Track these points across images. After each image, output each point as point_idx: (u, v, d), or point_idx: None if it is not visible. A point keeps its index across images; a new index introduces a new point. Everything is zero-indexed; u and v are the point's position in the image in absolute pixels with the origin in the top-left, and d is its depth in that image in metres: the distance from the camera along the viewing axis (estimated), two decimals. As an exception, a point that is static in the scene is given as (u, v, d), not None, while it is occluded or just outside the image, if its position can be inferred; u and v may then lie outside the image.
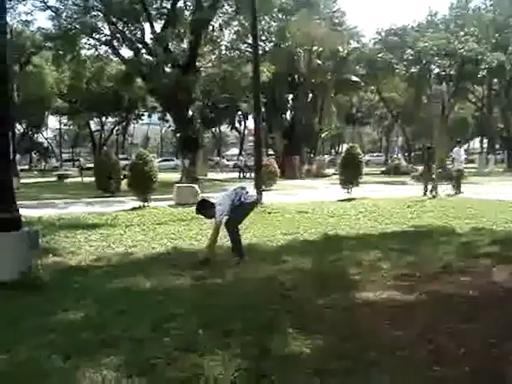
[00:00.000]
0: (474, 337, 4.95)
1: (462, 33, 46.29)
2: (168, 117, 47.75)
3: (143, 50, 34.13)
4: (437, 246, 9.59)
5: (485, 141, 67.37)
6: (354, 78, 48.13)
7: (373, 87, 55.47)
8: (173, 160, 62.83)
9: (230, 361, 4.46)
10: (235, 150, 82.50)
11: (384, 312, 5.78)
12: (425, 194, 20.03)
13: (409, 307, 5.96)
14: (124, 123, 70.59)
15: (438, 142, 24.72)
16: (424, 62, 44.83)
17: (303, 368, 4.33)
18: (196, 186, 19.62)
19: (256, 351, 4.68)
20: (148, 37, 34.28)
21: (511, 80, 54.97)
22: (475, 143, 76.56)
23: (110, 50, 35.80)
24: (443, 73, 45.45)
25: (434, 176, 20.66)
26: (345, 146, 25.16)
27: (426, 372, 4.22)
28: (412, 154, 60.69)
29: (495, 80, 55.63)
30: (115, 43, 34.36)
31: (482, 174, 38.83)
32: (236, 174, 42.16)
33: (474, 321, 5.42)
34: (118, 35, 33.91)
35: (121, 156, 51.61)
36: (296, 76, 46.91)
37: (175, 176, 33.64)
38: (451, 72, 45.09)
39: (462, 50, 43.44)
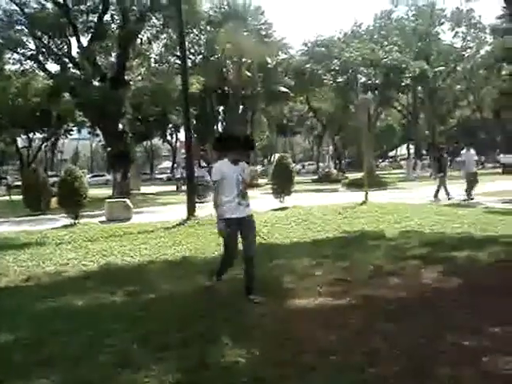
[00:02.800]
0: (405, 338, 5.09)
1: (385, 43, 47.60)
2: (98, 131, 47.05)
3: (70, 65, 33.53)
4: (368, 250, 9.81)
5: (411, 147, 69.47)
6: (283, 89, 48.73)
7: (302, 98, 56.22)
8: (104, 175, 61.82)
9: (165, 375, 4.45)
10: (168, 163, 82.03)
11: (318, 317, 5.87)
12: (449, 198, 20.10)
13: (342, 311, 6.08)
14: (53, 139, 68.95)
15: (365, 149, 25.14)
16: (350, 71, 45.74)
17: (240, 377, 4.35)
18: (128, 201, 19.39)
19: (192, 364, 4.68)
20: (75, 51, 33.80)
21: (434, 88, 56.94)
22: (402, 150, 78.72)
23: (35, 65, 35.03)
24: (369, 82, 46.53)
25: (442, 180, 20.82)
26: (277, 156, 25.47)
27: (360, 374, 4.31)
28: (342, 162, 61.80)
29: (419, 88, 57.45)
30: (41, 58, 33.65)
31: (410, 179, 39.95)
32: (170, 188, 41.89)
33: (405, 322, 5.58)
34: (44, 49, 33.24)
35: (50, 173, 50.30)
36: (226, 88, 47.14)
37: (107, 192, 33.13)
38: (377, 81, 46.20)
39: (387, 60, 44.60)
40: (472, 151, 21.53)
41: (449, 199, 19.97)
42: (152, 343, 5.26)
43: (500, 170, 47.09)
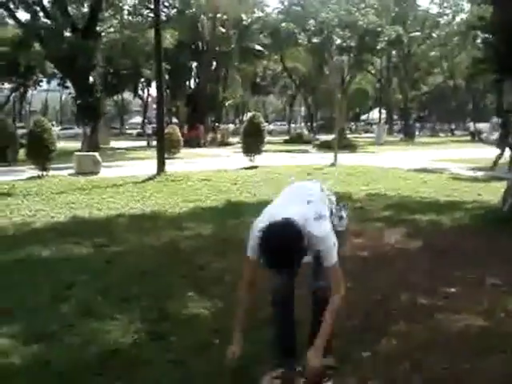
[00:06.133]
0: (362, 295, 5.24)
1: (362, 5, 47.29)
2: (68, 83, 46.27)
3: (41, 13, 32.73)
4: (333, 211, 9.94)
5: (383, 111, 69.74)
6: (258, 47, 48.33)
7: (276, 57, 55.78)
8: (73, 128, 60.92)
9: (128, 324, 4.54)
10: (139, 118, 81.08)
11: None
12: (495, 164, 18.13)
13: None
14: (21, 90, 67.52)
15: (337, 112, 25.25)
16: (326, 32, 45.51)
17: (201, 328, 4.46)
18: (97, 155, 19.26)
19: (155, 315, 4.77)
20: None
21: (409, 53, 56.99)
22: (375, 114, 78.98)
23: (5, 13, 34.09)
24: (344, 44, 46.41)
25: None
26: (249, 115, 25.49)
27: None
28: (314, 124, 61.83)
29: (394, 52, 57.45)
30: (11, 5, 32.69)
31: (378, 143, 40.25)
32: (140, 143, 41.56)
33: (363, 279, 5.71)
34: (14, -3, 32.33)
35: (18, 124, 49.42)
36: (200, 44, 46.48)
37: (76, 145, 32.78)
38: (352, 43, 46.09)
39: (362, 22, 44.45)
40: None
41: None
42: (115, 294, 5.33)
43: (469, 138, 47.81)
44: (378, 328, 4.41)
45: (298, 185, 3.83)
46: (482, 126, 48.51)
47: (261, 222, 3.37)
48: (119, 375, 3.70)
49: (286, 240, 3.07)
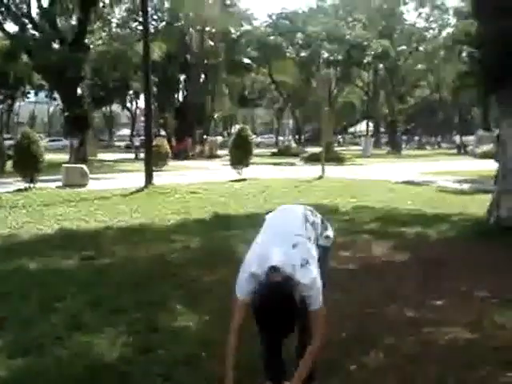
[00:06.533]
0: (353, 307, 5.27)
1: (350, 19, 47.77)
2: (56, 95, 46.18)
3: (29, 25, 32.78)
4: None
5: (371, 124, 70.19)
6: (246, 61, 48.52)
7: (264, 70, 56.07)
8: (61, 140, 60.74)
9: (116, 337, 4.52)
10: (127, 131, 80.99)
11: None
12: None
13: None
14: (9, 101, 67.36)
15: (324, 124, 25.35)
16: (313, 46, 45.84)
17: (190, 341, 4.46)
18: (85, 167, 19.22)
19: (143, 327, 4.76)
20: (34, 11, 33.00)
21: (395, 66, 57.45)
22: (362, 126, 79.38)
23: (-7, 25, 34.06)
24: (331, 57, 46.74)
25: None
26: (237, 128, 25.57)
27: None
28: (302, 137, 62.05)
29: (381, 66, 57.90)
30: (-1, 17, 32.75)
31: (365, 156, 40.48)
32: (128, 155, 41.48)
33: (353, 292, 5.76)
34: (2, 9, 32.30)
35: (6, 136, 49.23)
36: (188, 56, 46.62)
37: (64, 157, 32.65)
38: (339, 57, 46.43)
39: (350, 36, 44.87)
40: None
41: None
42: (104, 307, 5.31)
43: (455, 151, 48.17)
44: (366, 340, 4.43)
45: (284, 217, 3.67)
46: (468, 138, 48.93)
47: (250, 264, 3.30)
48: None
49: (280, 314, 3.01)
